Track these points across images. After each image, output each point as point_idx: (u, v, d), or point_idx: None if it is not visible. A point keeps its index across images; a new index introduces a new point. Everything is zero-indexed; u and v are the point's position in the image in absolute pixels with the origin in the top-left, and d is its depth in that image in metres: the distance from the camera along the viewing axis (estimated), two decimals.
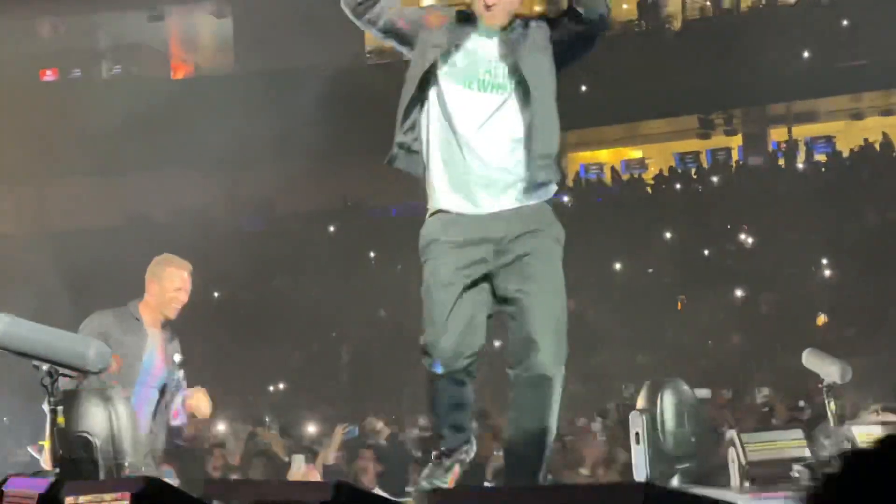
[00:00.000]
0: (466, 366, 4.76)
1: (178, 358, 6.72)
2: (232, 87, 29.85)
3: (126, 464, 5.38)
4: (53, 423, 4.95)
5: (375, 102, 28.16)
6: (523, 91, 4.68)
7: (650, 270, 24.67)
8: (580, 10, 4.72)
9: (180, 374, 6.82)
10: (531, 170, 4.71)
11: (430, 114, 4.73)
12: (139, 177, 29.90)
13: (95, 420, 5.33)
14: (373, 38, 29.89)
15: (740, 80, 28.15)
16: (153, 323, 6.66)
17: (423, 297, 4.79)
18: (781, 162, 29.56)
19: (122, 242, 26.21)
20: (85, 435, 5.23)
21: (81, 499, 4.09)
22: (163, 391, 6.69)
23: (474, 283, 4.72)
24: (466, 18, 4.72)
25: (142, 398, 6.58)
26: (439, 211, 4.79)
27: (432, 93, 4.72)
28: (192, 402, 6.76)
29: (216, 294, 26.56)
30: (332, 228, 29.54)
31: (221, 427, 16.15)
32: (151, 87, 30.68)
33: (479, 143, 4.70)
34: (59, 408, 4.95)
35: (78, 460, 5.06)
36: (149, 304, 6.72)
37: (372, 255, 27.46)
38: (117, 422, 5.43)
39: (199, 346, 22.74)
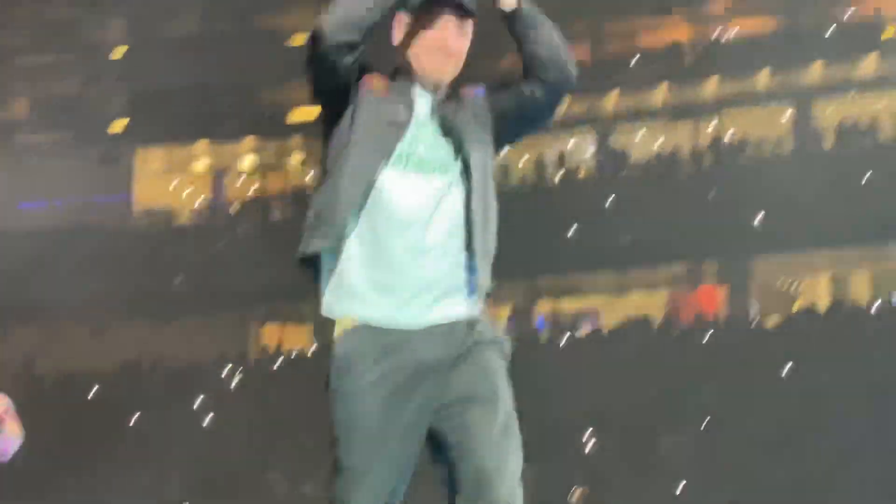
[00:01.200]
0: None
1: None
2: None
3: None
4: None
5: (143, 261, 28.95)
6: (467, 176, 3.92)
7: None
8: (546, 74, 3.97)
9: None
10: (473, 272, 3.90)
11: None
12: None
13: None
14: (142, 199, 29.39)
15: (508, 253, 28.30)
16: None
17: (339, 435, 3.81)
18: (545, 337, 30.09)
19: None
20: None
21: None
22: None
23: (408, 419, 3.83)
24: (399, 75, 3.95)
25: None
26: (359, 325, 3.87)
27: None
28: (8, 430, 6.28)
29: None
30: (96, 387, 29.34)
31: None
32: None
33: (419, 237, 3.86)
34: None
35: None
36: None
37: (131, 421, 27.62)
38: None
39: None
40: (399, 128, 3.77)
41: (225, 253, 32.98)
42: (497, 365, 3.80)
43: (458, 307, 3.79)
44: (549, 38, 3.93)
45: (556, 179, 32.00)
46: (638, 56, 33.21)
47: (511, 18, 3.90)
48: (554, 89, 3.90)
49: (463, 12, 3.82)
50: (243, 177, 37.74)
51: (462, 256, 3.80)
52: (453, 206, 3.79)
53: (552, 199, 29.95)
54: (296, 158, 37.42)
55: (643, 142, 32.42)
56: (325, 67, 3.75)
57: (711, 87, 31.93)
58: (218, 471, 25.42)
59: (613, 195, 29.66)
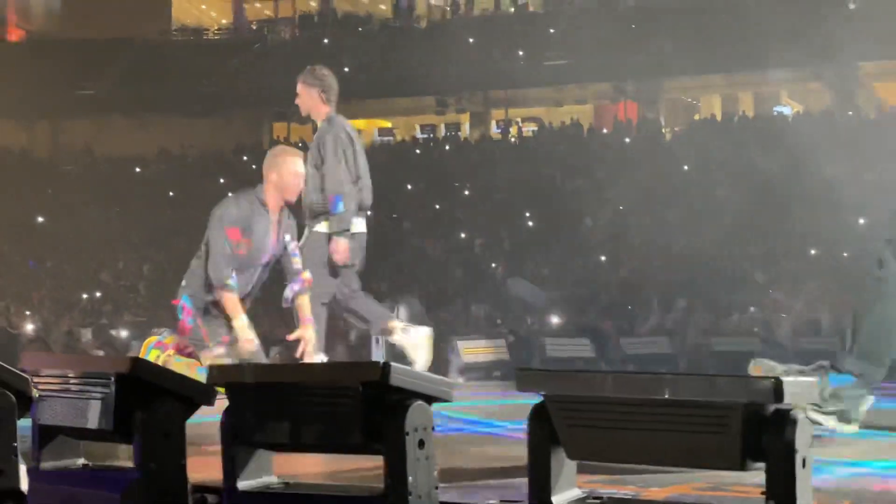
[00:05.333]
0: None
1: (287, 238, 6.80)
2: (60, 51, 34.42)
3: None
4: None
5: (178, 69, 35.29)
6: None
7: (394, 216, 27.92)
8: None
9: (295, 257, 6.84)
10: None
11: None
12: None
13: None
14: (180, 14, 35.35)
15: (469, 71, 32.36)
16: (274, 208, 6.72)
17: None
18: (498, 136, 34.07)
19: None
20: None
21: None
22: (265, 265, 6.85)
23: None
24: None
25: (257, 277, 6.83)
26: None
27: None
28: (301, 335, 6.76)
29: (39, 219, 31.44)
30: (138, 169, 33.53)
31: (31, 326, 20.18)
32: None
33: None
34: None
35: None
36: (270, 190, 6.74)
37: (171, 193, 31.54)
38: None
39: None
40: None
41: (244, 63, 35.97)
42: None
43: None
44: None
45: (511, 10, 35.60)
46: None
47: None
48: None
49: None
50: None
51: None
52: None
53: (505, 27, 33.54)
54: None
55: None
56: None
57: None
58: None
59: (555, 26, 32.77)
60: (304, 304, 6.83)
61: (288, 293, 6.83)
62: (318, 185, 7.26)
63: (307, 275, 6.87)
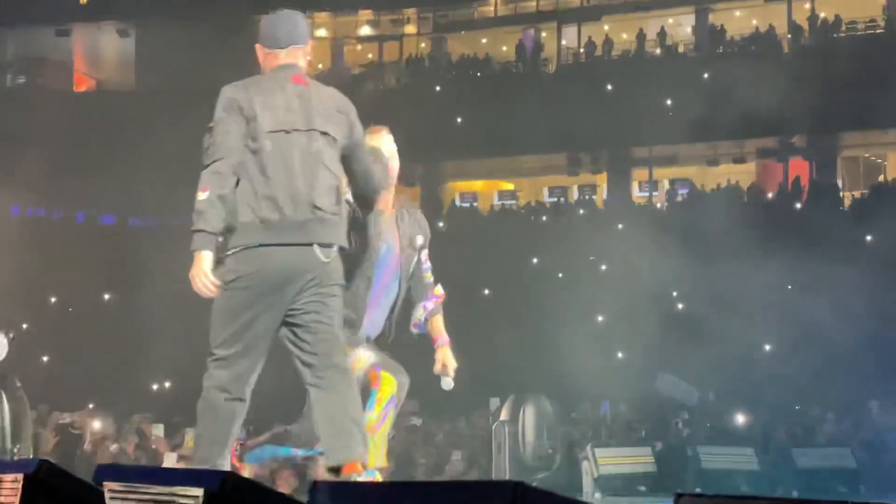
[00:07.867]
0: None
1: (420, 241, 6.40)
2: (132, 104, 35.35)
3: (16, 450, 5.79)
4: None
5: None
6: None
7: (518, 294, 27.83)
8: None
9: (426, 270, 6.47)
10: None
11: None
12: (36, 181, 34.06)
13: None
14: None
15: (607, 123, 32.16)
16: (385, 205, 6.21)
17: None
18: (641, 200, 34.09)
19: None
20: None
21: None
22: (399, 284, 6.39)
23: None
24: None
25: (380, 286, 6.33)
26: None
27: None
28: (440, 357, 6.42)
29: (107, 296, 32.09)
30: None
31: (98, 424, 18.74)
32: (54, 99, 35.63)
33: None
34: None
35: None
36: None
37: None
38: (8, 413, 5.97)
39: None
40: None
41: None
42: None
43: None
44: None
45: (657, 52, 35.55)
46: None
47: None
48: None
49: None
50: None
51: None
52: None
53: (649, 72, 33.27)
54: (410, 29, 40.67)
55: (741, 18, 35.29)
56: None
57: None
58: None
59: (709, 70, 32.42)
60: (439, 325, 6.50)
61: (420, 314, 6.50)
62: None
63: (440, 290, 6.57)
